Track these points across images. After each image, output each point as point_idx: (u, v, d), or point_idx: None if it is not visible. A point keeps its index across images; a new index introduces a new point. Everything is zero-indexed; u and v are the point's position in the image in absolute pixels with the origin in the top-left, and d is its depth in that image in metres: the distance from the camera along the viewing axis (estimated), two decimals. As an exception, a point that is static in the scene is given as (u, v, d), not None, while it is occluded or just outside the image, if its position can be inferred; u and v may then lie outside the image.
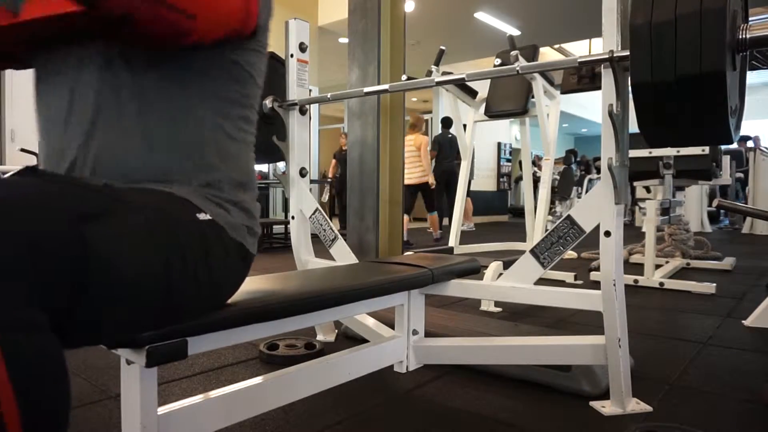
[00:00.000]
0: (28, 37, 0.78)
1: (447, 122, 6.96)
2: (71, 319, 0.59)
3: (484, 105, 3.57)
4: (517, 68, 1.45)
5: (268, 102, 1.90)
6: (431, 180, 6.14)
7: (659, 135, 1.23)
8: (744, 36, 1.10)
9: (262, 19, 0.86)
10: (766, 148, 7.64)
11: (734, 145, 8.82)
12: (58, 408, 0.54)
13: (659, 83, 1.09)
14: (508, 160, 12.44)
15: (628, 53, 1.14)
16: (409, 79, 2.92)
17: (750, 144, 8.44)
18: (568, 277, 3.24)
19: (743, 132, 9.05)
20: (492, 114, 3.55)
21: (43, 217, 0.55)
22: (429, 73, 2.87)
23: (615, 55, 1.20)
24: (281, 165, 2.02)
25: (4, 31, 0.72)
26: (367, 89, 1.74)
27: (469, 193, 6.92)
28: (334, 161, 7.74)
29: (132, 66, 0.77)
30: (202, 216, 0.77)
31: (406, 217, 6.17)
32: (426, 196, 6.26)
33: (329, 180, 7.67)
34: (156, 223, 0.70)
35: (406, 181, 6.31)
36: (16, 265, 0.51)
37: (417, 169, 6.06)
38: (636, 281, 3.25)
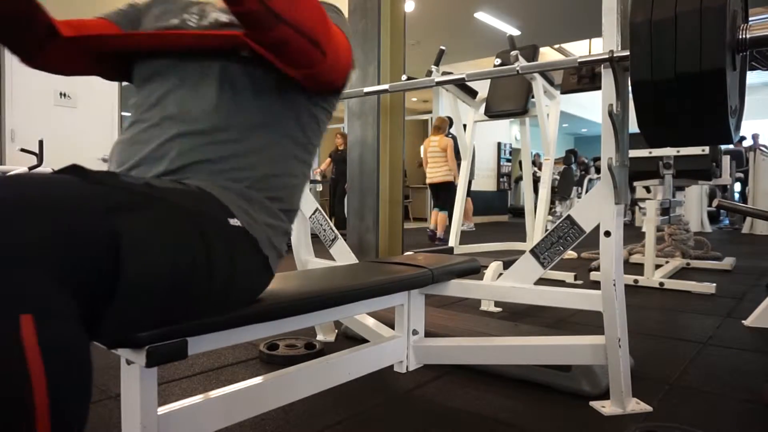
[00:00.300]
0: (169, 48, 0.92)
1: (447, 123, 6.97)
2: (94, 309, 0.61)
3: (484, 105, 3.57)
4: (517, 68, 1.45)
5: None
6: (457, 179, 6.27)
7: (659, 134, 1.23)
8: (744, 36, 1.10)
9: (341, 83, 1.00)
10: (764, 146, 7.64)
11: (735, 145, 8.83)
12: (82, 397, 0.57)
13: (659, 81, 1.08)
14: (508, 160, 12.45)
15: (628, 53, 1.14)
16: (409, 79, 2.92)
17: (748, 143, 8.43)
18: (568, 277, 3.24)
19: (744, 132, 9.07)
20: (492, 114, 3.55)
21: (78, 207, 0.59)
22: (429, 73, 2.86)
23: (615, 55, 1.20)
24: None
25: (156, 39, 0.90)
26: (367, 89, 1.74)
27: (470, 193, 6.95)
28: (328, 160, 7.78)
29: (238, 91, 0.91)
30: (233, 221, 0.80)
31: (442, 214, 6.43)
32: (446, 195, 6.40)
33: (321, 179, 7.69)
34: (187, 223, 0.73)
35: (430, 180, 6.50)
36: (51, 253, 0.54)
37: (442, 169, 6.27)
38: (636, 281, 3.25)
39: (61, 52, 0.95)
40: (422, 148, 6.81)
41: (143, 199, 0.68)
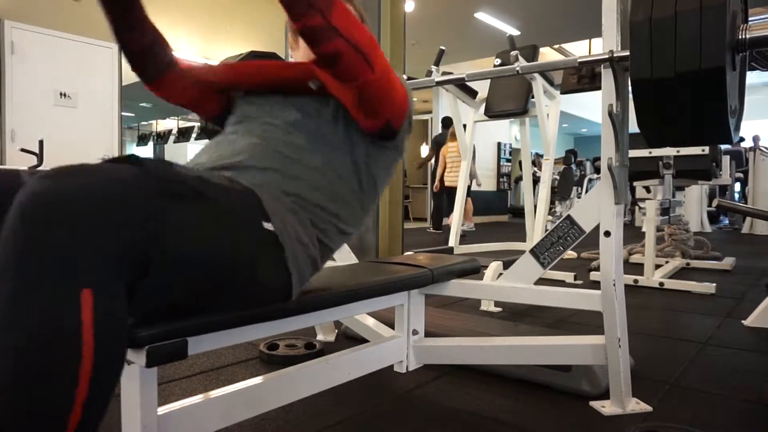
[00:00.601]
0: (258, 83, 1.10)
1: (446, 122, 6.99)
2: (131, 285, 0.66)
3: (484, 105, 3.57)
4: (517, 68, 1.45)
5: None
6: (478, 181, 6.96)
7: (659, 134, 1.23)
8: (744, 36, 1.10)
9: (403, 127, 1.11)
10: (765, 147, 7.63)
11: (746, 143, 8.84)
12: (117, 369, 0.63)
13: (659, 80, 1.08)
14: (508, 160, 12.44)
15: (628, 53, 1.14)
16: (409, 79, 2.91)
17: (749, 144, 8.42)
18: (568, 277, 3.24)
19: (743, 133, 9.05)
20: (492, 114, 3.54)
21: (133, 194, 0.65)
22: (429, 73, 2.86)
23: (615, 55, 1.20)
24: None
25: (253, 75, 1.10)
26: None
27: (470, 193, 7.04)
28: None
29: (309, 120, 1.05)
30: (267, 225, 0.83)
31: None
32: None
33: None
34: (223, 218, 0.78)
35: (449, 184, 6.90)
36: (108, 235, 0.61)
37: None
38: (636, 281, 3.25)
39: (175, 81, 1.16)
40: (422, 149, 6.87)
41: (190, 191, 0.73)
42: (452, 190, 6.67)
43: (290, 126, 1.04)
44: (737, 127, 1.23)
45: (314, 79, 1.01)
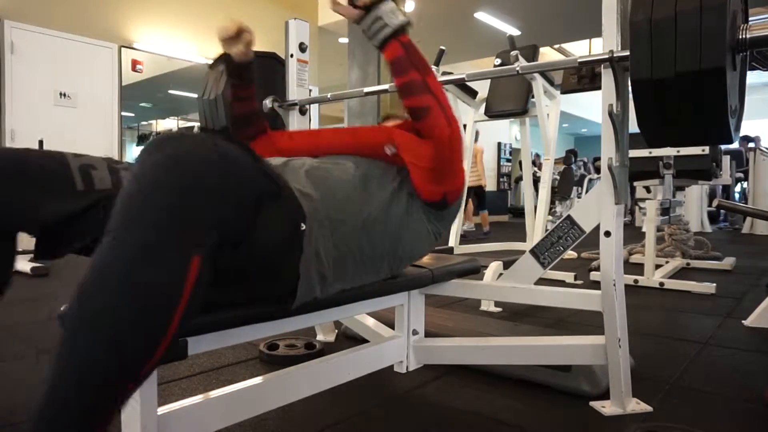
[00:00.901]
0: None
1: None
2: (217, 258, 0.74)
3: (484, 105, 3.57)
4: (517, 68, 1.45)
5: (268, 102, 1.90)
6: (485, 182, 7.21)
7: (659, 134, 1.23)
8: (744, 36, 1.09)
9: (453, 206, 1.22)
10: (766, 148, 7.64)
11: (735, 145, 8.83)
12: (196, 313, 0.72)
13: (659, 80, 1.08)
14: (508, 160, 12.45)
15: (628, 53, 1.14)
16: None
17: (750, 144, 8.42)
18: (568, 277, 3.24)
19: (745, 132, 9.05)
20: (492, 114, 3.55)
21: (244, 183, 0.77)
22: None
23: (615, 55, 1.20)
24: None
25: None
26: (366, 89, 1.74)
27: (482, 195, 7.15)
28: None
29: (372, 177, 1.14)
30: (303, 226, 0.90)
31: (484, 213, 7.28)
32: (479, 197, 7.16)
33: None
34: (286, 217, 0.88)
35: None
36: (222, 213, 0.72)
37: (473, 175, 6.72)
38: (636, 281, 3.25)
39: (263, 146, 1.37)
40: None
41: (277, 189, 0.85)
42: (474, 190, 6.96)
43: (351, 175, 1.11)
44: (737, 127, 1.23)
45: (390, 145, 1.16)
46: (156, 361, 0.67)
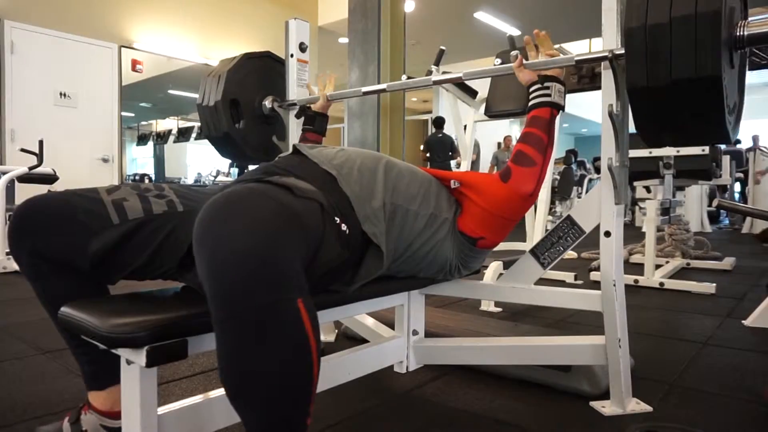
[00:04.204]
0: None
1: (438, 123, 6.96)
2: None
3: (484, 105, 3.56)
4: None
5: (267, 102, 1.90)
6: None
7: (657, 138, 1.23)
8: (742, 33, 1.09)
9: (480, 245, 1.27)
10: (765, 147, 7.63)
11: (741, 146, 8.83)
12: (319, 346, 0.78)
13: (655, 88, 1.07)
14: (508, 160, 12.41)
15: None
16: (409, 78, 2.92)
17: (748, 145, 8.42)
18: (568, 277, 3.24)
19: (743, 132, 9.04)
20: (492, 114, 3.54)
21: (309, 219, 0.89)
22: (429, 73, 2.86)
23: (615, 52, 1.19)
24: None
25: None
26: (365, 89, 1.74)
27: None
28: None
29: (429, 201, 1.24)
30: (337, 220, 0.99)
31: None
32: None
33: None
34: (334, 239, 0.98)
35: None
36: (303, 251, 0.81)
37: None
38: (636, 281, 3.25)
39: None
40: (422, 148, 6.85)
41: (329, 222, 0.96)
42: None
43: (421, 180, 1.24)
44: (737, 124, 1.22)
45: (456, 180, 1.27)
46: (314, 395, 0.77)
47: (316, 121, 1.75)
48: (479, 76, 1.47)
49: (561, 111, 1.32)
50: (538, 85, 1.33)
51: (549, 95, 1.31)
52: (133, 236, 0.99)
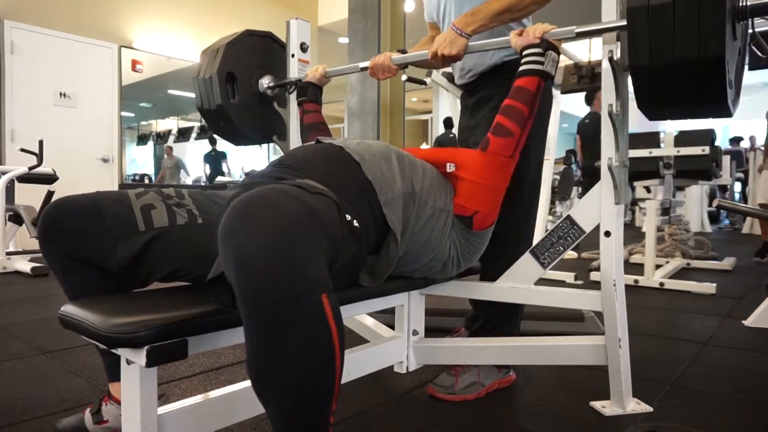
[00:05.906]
0: None
1: (448, 123, 6.98)
2: None
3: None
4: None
5: (264, 81, 1.88)
6: None
7: (658, 113, 1.23)
8: (744, 3, 1.09)
9: (477, 224, 1.26)
10: (761, 147, 7.63)
11: (740, 145, 8.82)
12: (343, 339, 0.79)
13: (658, 67, 1.07)
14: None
15: (625, 23, 1.13)
16: (408, 78, 2.91)
17: (746, 144, 8.42)
18: (568, 277, 3.24)
19: (743, 132, 9.04)
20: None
21: (332, 220, 0.91)
22: (429, 73, 2.87)
23: (615, 25, 1.20)
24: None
25: None
26: (362, 64, 1.69)
27: None
28: None
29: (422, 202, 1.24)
30: (348, 217, 1.01)
31: None
32: None
33: None
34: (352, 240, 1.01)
35: None
36: (327, 249, 0.84)
37: None
38: (636, 281, 3.25)
39: None
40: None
41: (343, 220, 0.98)
42: None
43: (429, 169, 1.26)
44: (736, 98, 1.22)
45: (451, 163, 1.28)
46: (337, 391, 0.77)
47: (309, 91, 1.73)
48: (481, 49, 1.47)
49: (550, 80, 1.31)
50: (535, 50, 1.31)
51: (542, 63, 1.29)
52: (157, 243, 1.02)
